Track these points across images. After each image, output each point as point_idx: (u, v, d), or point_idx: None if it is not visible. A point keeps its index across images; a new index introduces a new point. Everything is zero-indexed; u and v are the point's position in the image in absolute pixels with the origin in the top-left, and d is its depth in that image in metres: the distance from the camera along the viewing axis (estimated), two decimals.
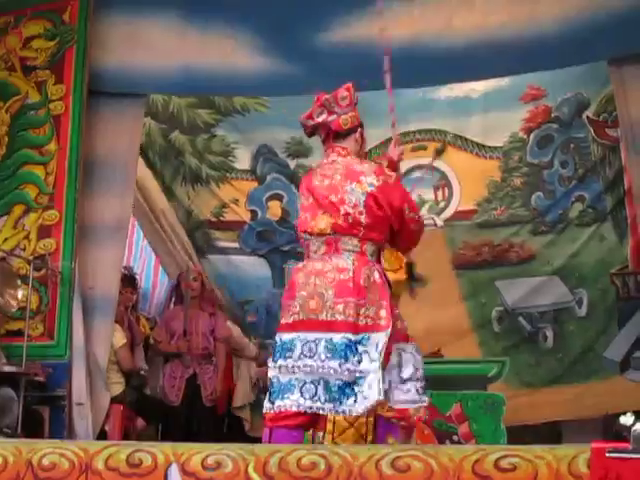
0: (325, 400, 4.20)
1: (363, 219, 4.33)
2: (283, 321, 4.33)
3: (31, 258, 6.44)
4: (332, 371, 4.16)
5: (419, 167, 8.17)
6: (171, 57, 6.89)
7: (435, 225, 8.13)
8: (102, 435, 6.44)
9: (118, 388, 6.86)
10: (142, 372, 7.22)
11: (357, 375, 4.16)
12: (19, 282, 6.39)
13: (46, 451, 3.64)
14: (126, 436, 6.65)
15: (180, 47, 6.88)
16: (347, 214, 4.33)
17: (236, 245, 8.26)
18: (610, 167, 7.60)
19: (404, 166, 8.17)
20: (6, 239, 6.66)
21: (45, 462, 3.61)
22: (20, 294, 6.35)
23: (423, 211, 8.16)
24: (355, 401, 4.17)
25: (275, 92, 7.40)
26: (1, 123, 6.88)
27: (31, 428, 5.91)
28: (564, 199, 7.66)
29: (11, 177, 6.77)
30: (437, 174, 8.11)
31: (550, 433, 7.42)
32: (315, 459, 3.37)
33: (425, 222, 7.97)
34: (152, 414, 7.05)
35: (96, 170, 6.85)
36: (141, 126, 7.31)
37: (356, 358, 4.16)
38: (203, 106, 8.30)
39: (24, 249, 6.61)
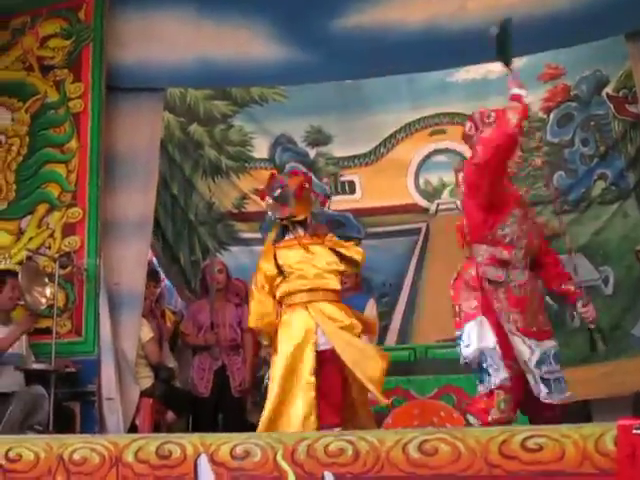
0: None
1: None
2: None
3: (56, 256, 6.48)
4: None
5: (439, 151, 8.16)
6: (187, 50, 6.91)
7: (457, 209, 8.10)
8: (133, 429, 6.47)
9: (147, 382, 6.89)
10: (171, 366, 7.25)
11: None
12: (46, 280, 6.44)
13: (77, 446, 3.69)
14: (156, 429, 6.68)
15: (195, 39, 6.90)
16: None
17: (258, 235, 8.27)
18: (632, 143, 7.53)
19: (424, 151, 8.24)
20: (31, 238, 6.72)
21: (76, 457, 3.66)
22: (48, 292, 6.39)
23: (445, 195, 8.18)
24: None
25: (291, 81, 7.41)
26: (22, 123, 6.94)
27: (62, 424, 5.97)
28: (586, 178, 7.61)
29: (33, 176, 6.83)
30: (457, 157, 8.09)
31: (579, 413, 7.38)
32: (343, 445, 3.40)
33: (447, 206, 8.13)
34: (182, 406, 7.07)
35: (117, 166, 6.88)
36: (160, 120, 7.34)
37: None
38: (220, 97, 8.33)
39: (49, 247, 6.67)
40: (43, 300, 6.37)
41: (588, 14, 6.11)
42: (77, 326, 6.51)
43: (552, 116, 7.83)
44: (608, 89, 7.64)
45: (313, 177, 6.61)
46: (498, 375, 4.59)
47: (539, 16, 6.24)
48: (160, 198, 7.57)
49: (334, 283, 5.59)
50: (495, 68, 7.72)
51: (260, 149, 8.38)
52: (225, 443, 3.51)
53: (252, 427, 6.72)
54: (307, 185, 5.69)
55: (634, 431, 3.06)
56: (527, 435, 3.24)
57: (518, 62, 7.43)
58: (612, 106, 7.64)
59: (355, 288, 7.48)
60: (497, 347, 4.63)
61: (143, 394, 6.66)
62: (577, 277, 7.64)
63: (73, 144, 6.78)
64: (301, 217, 5.67)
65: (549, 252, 5.03)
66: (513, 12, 6.25)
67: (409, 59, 6.72)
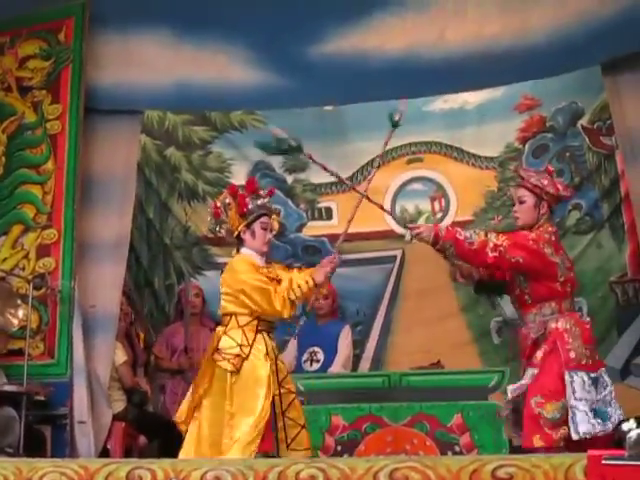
0: None
1: None
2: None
3: (30, 277, 6.45)
4: None
5: (415, 179, 8.22)
6: (165, 73, 6.92)
7: None
8: (104, 453, 6.42)
9: (120, 405, 6.85)
10: (144, 390, 7.21)
11: None
12: (19, 301, 6.40)
13: (47, 470, 3.67)
14: (128, 453, 6.64)
15: (174, 63, 6.91)
16: None
17: None
18: (606, 175, 7.62)
19: (401, 178, 8.29)
20: (5, 259, 6.69)
21: None
22: (21, 313, 6.36)
23: (420, 222, 8.22)
24: None
25: (270, 105, 7.43)
26: None
27: (33, 447, 5.91)
28: (561, 207, 7.65)
29: (9, 197, 6.80)
30: (433, 185, 8.14)
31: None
32: (314, 472, 3.40)
33: None
34: (154, 431, 7.03)
35: (94, 188, 6.86)
36: (138, 143, 7.35)
37: None
38: (199, 123, 8.36)
39: (23, 269, 6.63)
40: (15, 321, 6.33)
41: (567, 45, 6.18)
42: (50, 348, 6.47)
43: (527, 146, 7.91)
44: (583, 121, 7.73)
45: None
46: None
47: (519, 47, 6.31)
48: (136, 221, 7.55)
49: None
50: (472, 99, 7.85)
51: (238, 175, 8.38)
52: (196, 469, 3.50)
53: None
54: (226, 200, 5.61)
55: (603, 461, 3.08)
56: (498, 464, 3.26)
57: (496, 91, 7.63)
58: (587, 138, 7.73)
59: (332, 314, 7.51)
60: None
61: (115, 418, 6.61)
62: None
63: (50, 165, 6.76)
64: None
65: None
66: (493, 43, 6.38)
67: (388, 86, 6.76)
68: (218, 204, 5.58)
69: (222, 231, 5.61)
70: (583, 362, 4.82)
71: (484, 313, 7.87)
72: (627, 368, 7.37)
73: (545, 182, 5.04)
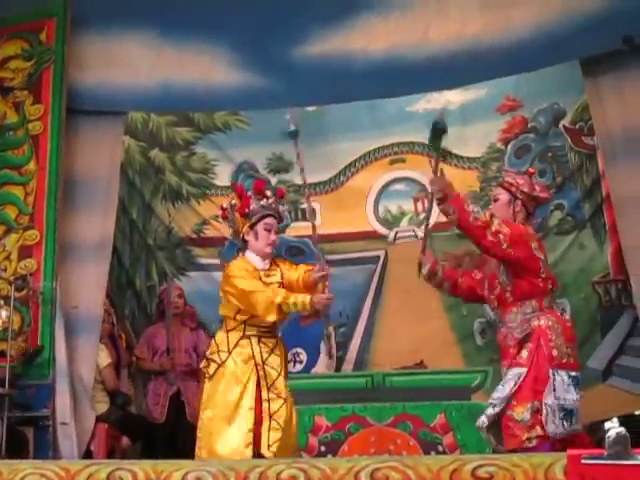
0: None
1: None
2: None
3: (12, 279, 6.43)
4: None
5: (398, 180, 8.23)
6: (149, 74, 6.92)
7: (416, 236, 8.15)
8: (87, 454, 6.41)
9: (103, 407, 6.84)
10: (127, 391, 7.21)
11: None
12: (1, 302, 6.38)
13: (27, 472, 3.65)
14: (111, 455, 6.63)
15: (157, 64, 6.91)
16: None
17: (217, 261, 8.25)
18: (587, 175, 7.64)
19: (384, 179, 8.30)
20: None
21: None
22: (3, 314, 6.33)
23: (403, 223, 8.24)
24: None
25: (253, 106, 7.44)
26: None
27: (15, 449, 5.90)
28: (543, 208, 7.68)
29: None
30: (416, 186, 8.15)
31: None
32: (295, 473, 3.40)
33: (406, 234, 8.18)
34: (137, 432, 7.03)
35: (77, 189, 6.85)
36: (121, 144, 7.34)
37: None
38: (182, 124, 8.36)
39: (5, 270, 6.60)
40: None
41: (549, 41, 6.22)
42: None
43: (510, 147, 7.93)
44: (565, 121, 7.76)
45: None
46: None
47: (502, 44, 6.34)
48: (119, 222, 7.54)
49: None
50: (455, 99, 7.86)
51: (222, 176, 8.39)
52: (177, 470, 3.49)
53: None
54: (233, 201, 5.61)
55: (583, 461, 3.09)
56: (478, 464, 3.27)
57: (479, 92, 7.65)
58: (569, 138, 7.76)
59: (315, 315, 7.49)
60: None
61: (98, 419, 6.61)
62: None
63: (32, 166, 6.74)
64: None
65: None
66: (476, 41, 6.39)
67: (371, 86, 6.78)
68: (225, 205, 5.58)
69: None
70: (564, 360, 4.82)
71: (468, 314, 7.87)
72: (610, 368, 7.39)
73: (521, 181, 5.08)
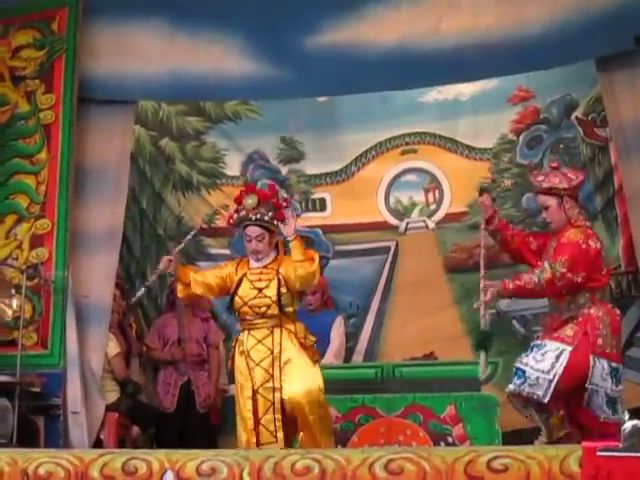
0: None
1: None
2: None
3: (24, 267, 6.43)
4: None
5: (409, 170, 8.22)
6: (160, 63, 6.91)
7: (427, 227, 8.15)
8: (97, 443, 6.43)
9: (113, 396, 6.85)
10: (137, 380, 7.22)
11: None
12: (13, 292, 6.39)
13: (42, 460, 3.67)
14: (121, 444, 6.64)
15: (169, 53, 6.90)
16: None
17: (227, 252, 8.23)
18: (599, 167, 7.62)
19: (395, 170, 8.28)
20: None
21: (41, 471, 3.63)
22: (15, 303, 6.35)
23: (414, 213, 8.22)
24: None
25: (264, 96, 7.43)
26: None
27: (26, 438, 5.90)
28: None
29: (2, 187, 6.77)
30: (427, 176, 8.14)
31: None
32: (309, 463, 3.40)
33: (416, 225, 8.17)
34: (147, 421, 7.04)
35: (87, 178, 6.85)
36: (131, 133, 7.33)
37: None
38: (193, 113, 8.33)
39: (17, 259, 6.61)
40: (9, 311, 6.33)
41: (562, 39, 6.20)
42: (43, 338, 6.46)
43: (522, 138, 7.91)
44: (577, 113, 7.73)
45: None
46: None
47: (513, 40, 6.31)
48: (129, 211, 7.53)
49: None
50: (466, 90, 7.85)
51: (232, 166, 8.37)
52: (192, 460, 3.50)
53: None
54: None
55: (598, 453, 3.09)
56: (493, 456, 3.27)
57: (490, 82, 7.63)
58: (581, 130, 7.74)
59: (324, 306, 7.50)
60: None
61: (108, 408, 6.61)
62: None
63: (43, 155, 6.74)
64: None
65: None
66: (488, 35, 6.37)
67: (382, 77, 6.77)
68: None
69: None
70: (607, 350, 4.95)
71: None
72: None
73: (556, 180, 5.10)
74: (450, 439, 5.98)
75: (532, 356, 4.94)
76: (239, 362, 5.55)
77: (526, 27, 6.36)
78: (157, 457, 3.50)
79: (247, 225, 5.58)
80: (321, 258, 8.10)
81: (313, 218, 8.35)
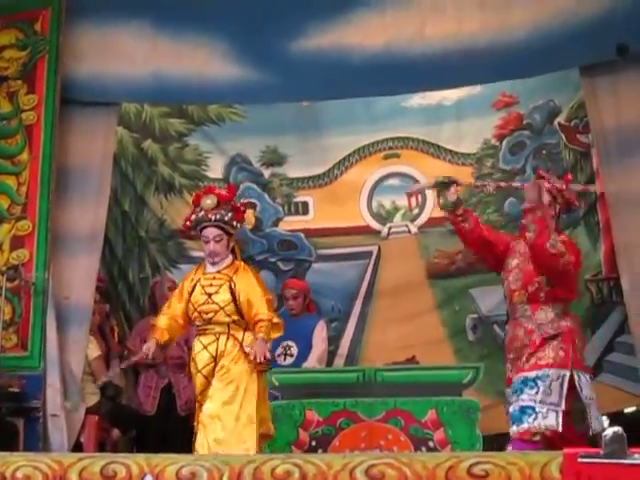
0: None
1: None
2: None
3: (4, 269, 6.40)
4: None
5: (392, 175, 8.23)
6: (144, 65, 6.88)
7: (409, 232, 8.16)
8: (77, 446, 6.40)
9: (93, 399, 6.82)
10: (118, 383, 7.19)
11: None
12: None
13: (20, 464, 3.63)
14: (101, 447, 6.62)
15: (153, 55, 6.87)
16: None
17: None
18: (582, 172, 7.65)
19: (378, 174, 8.29)
20: None
21: (19, 475, 3.60)
22: None
23: (397, 218, 8.23)
24: None
25: (248, 100, 7.43)
26: None
27: (5, 440, 5.86)
28: None
29: None
30: (410, 181, 8.15)
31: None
32: (289, 468, 3.39)
33: (399, 229, 8.19)
34: (127, 424, 7.02)
35: (70, 179, 6.82)
36: (114, 135, 7.30)
37: None
38: (176, 115, 8.32)
39: None
40: None
41: (546, 46, 6.21)
42: (23, 340, 6.42)
43: (504, 143, 7.94)
44: (560, 119, 7.77)
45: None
46: None
47: (498, 45, 6.33)
48: (111, 213, 7.51)
49: None
50: (450, 95, 7.87)
51: (215, 168, 8.36)
52: (171, 464, 3.48)
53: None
54: None
55: (579, 459, 3.09)
56: (474, 461, 3.26)
57: (474, 88, 7.65)
58: (564, 135, 7.77)
59: (306, 310, 7.51)
60: None
61: (89, 411, 6.59)
62: None
63: (25, 156, 6.70)
64: None
65: None
66: (472, 40, 6.38)
67: (367, 82, 6.77)
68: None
69: None
70: (585, 363, 5.07)
71: (459, 310, 7.89)
72: (600, 365, 7.42)
73: (563, 186, 5.11)
74: (431, 444, 5.99)
75: (542, 391, 4.88)
76: (191, 368, 5.64)
77: (510, 33, 6.37)
78: (136, 461, 3.48)
79: (205, 226, 5.56)
80: (303, 262, 8.18)
81: (295, 222, 8.36)
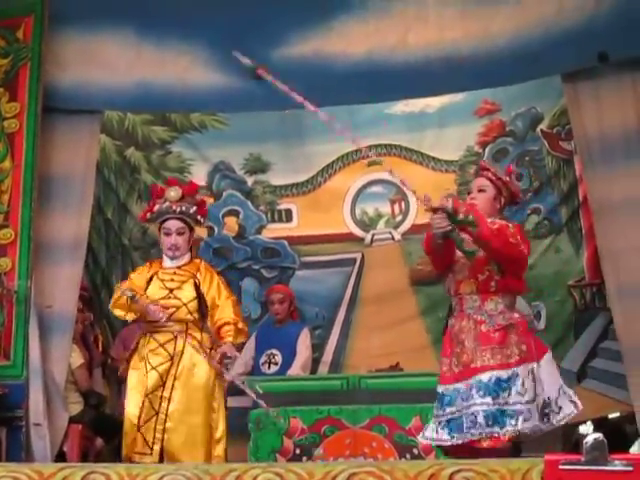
0: None
1: None
2: None
3: None
4: None
5: (375, 182, 8.24)
6: (127, 74, 6.86)
7: (392, 239, 8.18)
8: (61, 456, 6.37)
9: (76, 408, 6.81)
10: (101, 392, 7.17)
11: None
12: None
13: (0, 474, 3.61)
14: (85, 456, 6.60)
15: (135, 63, 6.85)
16: None
17: None
18: (564, 179, 7.70)
19: (361, 181, 8.31)
20: None
21: None
22: None
23: (380, 225, 8.24)
24: None
25: (231, 108, 7.42)
26: None
27: None
28: (520, 211, 7.67)
29: None
30: (393, 188, 8.16)
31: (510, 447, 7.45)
32: (271, 477, 3.38)
33: (382, 236, 8.20)
34: (111, 433, 6.98)
35: (52, 188, 6.79)
36: (97, 143, 7.26)
37: None
38: (158, 123, 8.31)
39: None
40: None
41: (528, 54, 6.22)
42: (5, 349, 6.37)
43: (487, 150, 7.96)
44: (542, 126, 7.80)
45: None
46: None
47: (480, 53, 6.35)
48: (94, 222, 7.49)
49: None
50: (433, 102, 7.89)
51: (198, 176, 8.33)
52: (152, 474, 3.46)
53: None
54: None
55: (560, 466, 3.09)
56: (455, 469, 3.26)
57: (457, 95, 7.66)
58: (546, 142, 7.81)
59: (290, 317, 7.52)
60: None
61: (72, 420, 6.56)
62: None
63: (7, 164, 6.67)
64: None
65: None
66: (454, 48, 6.40)
67: (350, 90, 6.77)
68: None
69: None
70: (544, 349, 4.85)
71: (443, 316, 7.88)
72: (584, 371, 7.44)
73: (507, 178, 5.04)
74: (416, 451, 5.99)
75: (515, 391, 4.60)
76: (135, 367, 5.56)
77: (492, 41, 6.38)
78: (117, 471, 3.47)
79: (168, 218, 5.54)
80: (287, 269, 8.18)
81: (279, 229, 8.36)
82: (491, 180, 4.97)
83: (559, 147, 7.73)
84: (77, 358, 6.87)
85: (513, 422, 4.57)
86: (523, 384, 4.63)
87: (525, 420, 4.56)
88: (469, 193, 5.10)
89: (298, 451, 6.10)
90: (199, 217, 5.65)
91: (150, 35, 6.85)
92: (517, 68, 6.39)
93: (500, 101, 7.80)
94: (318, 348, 7.93)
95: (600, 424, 7.00)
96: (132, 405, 5.50)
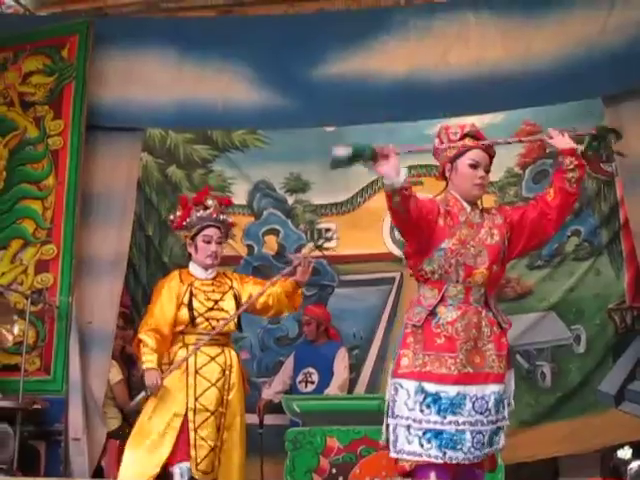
0: None
1: None
2: None
3: (28, 293, 6.44)
4: None
5: None
6: (168, 92, 6.94)
7: None
8: (98, 470, 6.41)
9: (115, 423, 6.84)
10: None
11: None
12: (15, 317, 6.40)
13: None
14: None
15: (177, 81, 6.94)
16: None
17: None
18: (605, 201, 7.63)
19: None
20: (3, 273, 6.67)
21: None
22: (16, 329, 6.36)
23: None
24: None
25: (271, 126, 7.47)
26: None
27: (27, 464, 5.90)
28: (560, 233, 7.61)
29: (9, 212, 6.79)
30: None
31: (546, 470, 7.39)
32: None
33: None
34: None
35: (94, 204, 6.87)
36: (138, 160, 7.36)
37: None
38: (200, 141, 8.36)
39: (21, 283, 6.61)
40: (10, 337, 6.34)
41: (570, 74, 6.21)
42: (46, 364, 6.45)
43: (528, 172, 7.90)
44: (583, 147, 7.74)
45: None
46: None
47: (522, 72, 6.34)
48: (135, 238, 7.56)
49: None
50: (473, 121, 7.84)
51: (239, 194, 8.37)
52: None
53: None
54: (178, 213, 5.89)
55: None
56: None
57: (498, 116, 7.63)
58: (587, 164, 7.73)
59: (324, 337, 7.50)
60: None
61: (110, 435, 6.60)
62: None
63: (50, 181, 6.76)
64: None
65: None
66: (495, 68, 6.40)
67: (389, 109, 6.79)
68: (171, 217, 5.70)
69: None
70: None
71: None
72: (622, 394, 7.36)
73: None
74: None
75: (506, 404, 4.13)
76: (175, 380, 5.37)
77: (533, 61, 6.38)
78: None
79: (208, 226, 5.52)
80: (326, 287, 8.17)
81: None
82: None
83: (600, 169, 7.66)
84: (116, 374, 6.91)
85: (498, 439, 4.09)
86: (509, 396, 4.19)
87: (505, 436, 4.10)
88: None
89: (334, 471, 6.08)
90: (231, 230, 5.65)
91: (191, 53, 6.94)
92: (558, 88, 6.38)
93: (541, 122, 7.72)
94: (355, 368, 7.90)
95: (638, 447, 6.91)
96: (164, 420, 5.41)
